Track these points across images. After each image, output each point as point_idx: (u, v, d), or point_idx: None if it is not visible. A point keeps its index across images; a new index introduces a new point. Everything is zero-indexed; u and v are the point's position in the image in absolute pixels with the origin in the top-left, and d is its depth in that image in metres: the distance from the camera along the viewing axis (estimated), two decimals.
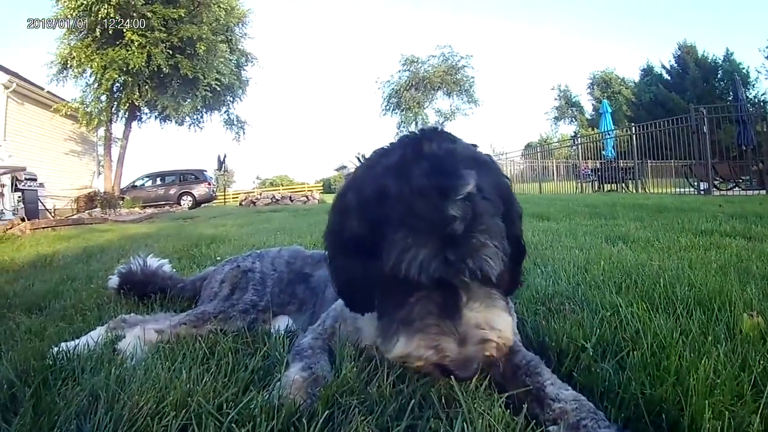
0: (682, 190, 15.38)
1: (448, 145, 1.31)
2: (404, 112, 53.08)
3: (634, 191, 16.71)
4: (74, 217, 16.28)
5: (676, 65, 51.13)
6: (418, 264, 1.18)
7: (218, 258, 3.90)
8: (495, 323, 1.23)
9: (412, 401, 1.26)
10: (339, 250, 1.41)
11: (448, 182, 1.20)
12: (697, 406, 1.17)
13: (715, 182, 14.33)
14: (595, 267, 2.88)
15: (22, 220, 11.27)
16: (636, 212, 6.66)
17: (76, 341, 1.89)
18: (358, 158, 1.52)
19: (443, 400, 1.29)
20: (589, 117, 57.73)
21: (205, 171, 29.76)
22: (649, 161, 17.30)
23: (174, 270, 2.96)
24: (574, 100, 63.25)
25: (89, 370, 1.57)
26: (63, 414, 1.26)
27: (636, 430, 1.19)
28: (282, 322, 2.05)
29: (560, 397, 1.28)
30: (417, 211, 1.19)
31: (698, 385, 1.26)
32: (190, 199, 27.38)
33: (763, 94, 44.54)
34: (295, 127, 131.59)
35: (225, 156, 30.73)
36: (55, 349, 1.79)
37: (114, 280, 2.73)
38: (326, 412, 1.20)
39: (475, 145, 1.40)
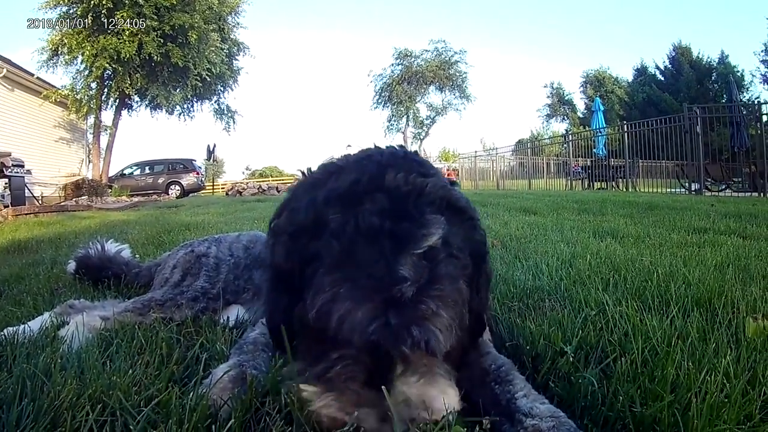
0: (673, 190, 15.35)
1: (417, 179, 1.09)
2: (395, 106, 53.30)
3: (625, 190, 16.67)
4: (59, 204, 16.08)
5: (670, 66, 51.37)
6: (351, 321, 0.96)
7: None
8: (433, 403, 1.01)
9: None
10: (269, 278, 1.23)
11: (406, 229, 1.00)
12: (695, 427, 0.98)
13: (707, 183, 14.31)
14: (581, 261, 2.71)
15: (5, 206, 11.08)
16: (626, 209, 6.54)
17: (18, 327, 1.76)
18: (303, 173, 1.27)
19: None
20: (581, 115, 57.77)
21: (194, 160, 29.62)
22: (640, 160, 17.24)
23: (134, 256, 2.85)
24: (566, 98, 63.30)
25: (23, 356, 1.45)
26: None
27: None
28: (233, 313, 1.90)
29: (534, 411, 1.07)
30: (359, 258, 0.99)
31: (702, 405, 1.06)
32: (179, 188, 27.27)
33: (757, 97, 44.80)
34: (287, 118, 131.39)
35: (214, 146, 30.65)
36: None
37: (71, 265, 2.64)
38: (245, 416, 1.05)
39: (453, 183, 1.18)
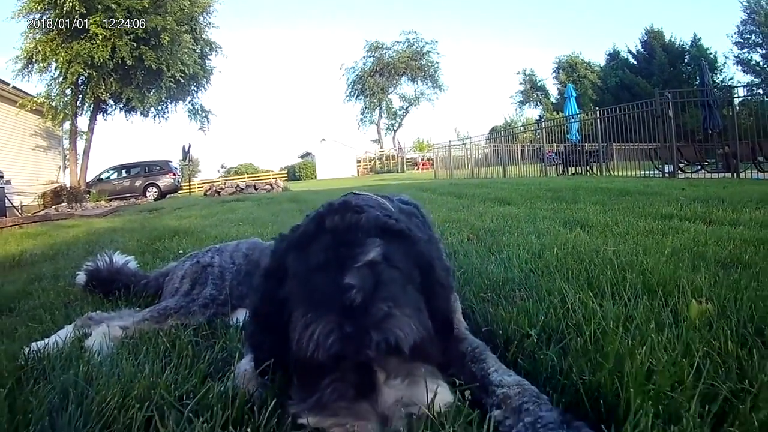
0: (647, 172, 15.46)
1: (352, 216, 1.29)
2: (368, 98, 53.49)
3: (599, 174, 16.90)
4: (41, 213, 16.05)
5: (642, 50, 52.00)
6: (314, 340, 1.10)
7: (181, 252, 3.96)
8: (420, 399, 1.14)
9: None
10: (251, 320, 1.44)
11: (345, 252, 1.19)
12: (633, 392, 1.20)
13: (681, 165, 14.58)
14: (549, 253, 2.92)
15: None
16: (598, 196, 6.77)
17: (46, 341, 1.93)
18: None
19: None
20: (554, 101, 58.26)
21: (170, 162, 29.59)
22: (614, 144, 17.40)
23: (138, 266, 3.00)
24: (539, 84, 63.80)
25: (59, 368, 1.60)
26: (36, 412, 1.29)
27: (576, 415, 1.19)
28: (240, 315, 2.10)
29: (504, 382, 1.29)
30: (314, 287, 1.17)
31: (634, 372, 1.28)
32: (156, 190, 27.29)
33: (730, 78, 45.60)
34: (260, 115, 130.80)
35: (189, 146, 30.77)
36: (26, 349, 1.82)
37: (81, 277, 2.79)
38: (274, 401, 1.24)
39: (388, 216, 1.37)
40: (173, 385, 1.38)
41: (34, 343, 1.89)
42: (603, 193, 7.09)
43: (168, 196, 26.38)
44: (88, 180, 25.75)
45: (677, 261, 2.59)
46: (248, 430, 1.15)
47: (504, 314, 1.85)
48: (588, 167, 17.74)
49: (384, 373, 1.12)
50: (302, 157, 53.48)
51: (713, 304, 1.86)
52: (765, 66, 44.95)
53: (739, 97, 16.04)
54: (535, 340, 1.60)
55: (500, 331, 1.73)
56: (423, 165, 45.39)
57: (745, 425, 1.13)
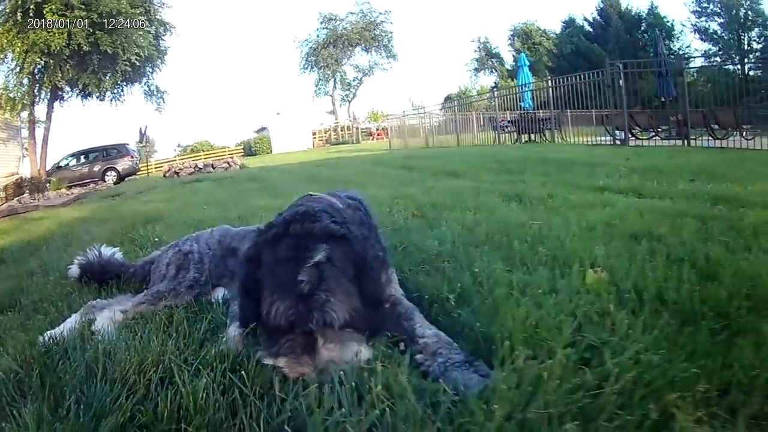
0: (600, 138, 15.85)
1: (308, 225, 1.74)
2: (322, 70, 53.20)
3: (550, 141, 17.34)
4: (5, 207, 16.01)
5: (599, 17, 52.37)
6: (279, 313, 1.59)
7: (156, 239, 4.21)
8: (347, 359, 1.60)
9: None
10: (239, 291, 1.90)
11: (301, 255, 1.65)
12: (513, 339, 1.64)
13: (634, 131, 15.07)
14: (480, 228, 3.33)
15: None
16: (544, 167, 7.12)
17: (59, 328, 2.24)
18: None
19: None
20: (509, 68, 58.47)
21: (127, 144, 29.53)
22: (568, 111, 17.70)
23: (123, 257, 3.31)
24: (494, 52, 64.01)
25: (78, 348, 1.93)
26: (69, 385, 1.65)
27: (479, 357, 1.64)
28: (219, 293, 2.51)
29: (425, 334, 1.78)
30: (279, 275, 1.66)
31: (515, 324, 1.75)
32: (115, 174, 27.13)
33: (687, 46, 46.38)
34: (215, 91, 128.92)
35: (146, 127, 30.63)
36: (42, 338, 2.11)
37: (74, 270, 3.09)
38: (258, 354, 1.68)
39: (335, 221, 1.81)
40: (177, 351, 1.78)
41: (48, 332, 2.18)
42: (549, 164, 7.44)
43: (127, 178, 26.31)
44: (47, 168, 25.52)
45: (592, 234, 2.96)
46: (242, 372, 1.58)
47: (431, 282, 2.31)
48: (541, 134, 18.14)
49: (322, 340, 1.60)
50: (258, 132, 52.80)
51: (607, 274, 2.22)
52: (722, 35, 45.69)
53: (690, 68, 16.50)
54: (453, 303, 2.06)
55: (426, 296, 2.19)
56: (378, 135, 44.94)
57: (605, 366, 1.49)
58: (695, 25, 47.31)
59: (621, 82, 14.70)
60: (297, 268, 1.62)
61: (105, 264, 3.07)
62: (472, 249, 2.83)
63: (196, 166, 20.77)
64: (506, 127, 20.40)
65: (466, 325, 1.89)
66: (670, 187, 4.69)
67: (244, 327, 1.83)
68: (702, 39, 47.01)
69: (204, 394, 1.50)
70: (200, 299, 2.47)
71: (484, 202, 4.57)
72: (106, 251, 3.19)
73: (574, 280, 2.20)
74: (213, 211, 5.95)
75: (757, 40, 44.43)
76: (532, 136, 18.43)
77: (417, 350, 1.74)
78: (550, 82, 19.78)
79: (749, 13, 43.79)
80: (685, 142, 13.18)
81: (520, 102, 20.73)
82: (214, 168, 20.14)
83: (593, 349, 1.64)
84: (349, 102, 58.07)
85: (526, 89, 20.61)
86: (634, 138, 14.83)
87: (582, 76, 16.74)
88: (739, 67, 22.20)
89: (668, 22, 48.29)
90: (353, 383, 1.47)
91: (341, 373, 1.53)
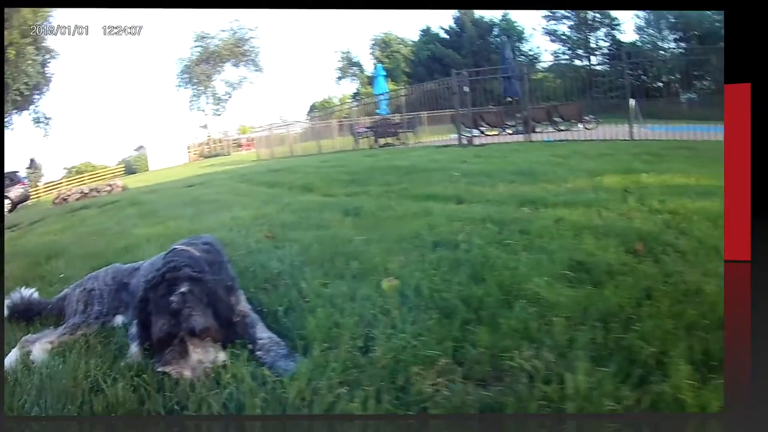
0: (453, 135, 16.92)
1: (176, 272, 2.40)
2: (195, 87, 51.61)
3: (406, 143, 18.39)
4: None
5: (454, 25, 54.05)
6: (160, 327, 2.25)
7: (61, 275, 4.34)
8: (209, 360, 2.30)
9: None
10: (136, 321, 2.56)
11: (172, 290, 2.33)
12: (316, 337, 2.44)
13: (482, 128, 16.31)
14: (313, 247, 3.72)
15: None
16: (388, 176, 6.99)
17: (6, 360, 2.77)
18: None
19: None
20: (369, 75, 59.17)
21: (17, 172, 27.36)
22: (423, 113, 18.91)
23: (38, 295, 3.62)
24: (355, 61, 64.47)
25: (27, 373, 2.58)
26: (28, 400, 2.35)
27: (296, 350, 2.40)
28: (119, 320, 3.09)
29: (263, 337, 2.49)
30: (159, 305, 2.33)
31: (319, 326, 2.49)
32: (9, 202, 25.23)
33: (537, 47, 48.95)
34: (93, 111, 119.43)
35: (35, 155, 28.66)
36: None
37: (5, 313, 3.42)
38: (153, 362, 2.40)
39: (193, 268, 2.46)
40: (98, 366, 2.44)
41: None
42: (394, 173, 7.35)
43: (19, 206, 24.64)
44: None
45: (401, 245, 3.46)
46: (144, 376, 2.30)
47: (268, 299, 2.92)
48: (396, 137, 19.10)
49: (192, 346, 2.28)
50: (137, 149, 50.64)
51: (399, 281, 2.80)
52: (571, 35, 48.50)
53: (537, 70, 17.85)
54: (282, 313, 2.75)
55: (265, 309, 2.81)
56: (247, 145, 43.80)
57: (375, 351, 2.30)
58: (545, 28, 50.12)
59: (466, 88, 15.88)
60: (169, 297, 2.30)
61: (27, 303, 3.46)
62: (305, 267, 3.33)
63: (82, 191, 19.89)
64: (364, 132, 21.12)
65: (290, 329, 2.61)
66: (491, 190, 5.00)
67: (142, 345, 2.47)
68: (552, 40, 49.82)
69: (122, 393, 2.23)
70: (106, 326, 3.05)
71: (325, 219, 4.79)
72: (26, 292, 3.54)
73: (372, 288, 2.86)
74: (102, 242, 6.06)
75: (604, 38, 47.88)
76: (389, 139, 19.34)
77: (258, 348, 2.46)
78: (403, 91, 20.61)
79: (597, 15, 47.07)
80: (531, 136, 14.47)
81: (376, 109, 21.46)
82: (98, 192, 19.41)
83: (373, 339, 2.40)
84: (220, 116, 56.70)
85: (383, 98, 21.38)
86: (481, 135, 16.03)
87: (432, 84, 17.84)
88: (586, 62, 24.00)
89: (519, 27, 50.72)
90: (213, 375, 2.27)
91: (207, 369, 2.29)
